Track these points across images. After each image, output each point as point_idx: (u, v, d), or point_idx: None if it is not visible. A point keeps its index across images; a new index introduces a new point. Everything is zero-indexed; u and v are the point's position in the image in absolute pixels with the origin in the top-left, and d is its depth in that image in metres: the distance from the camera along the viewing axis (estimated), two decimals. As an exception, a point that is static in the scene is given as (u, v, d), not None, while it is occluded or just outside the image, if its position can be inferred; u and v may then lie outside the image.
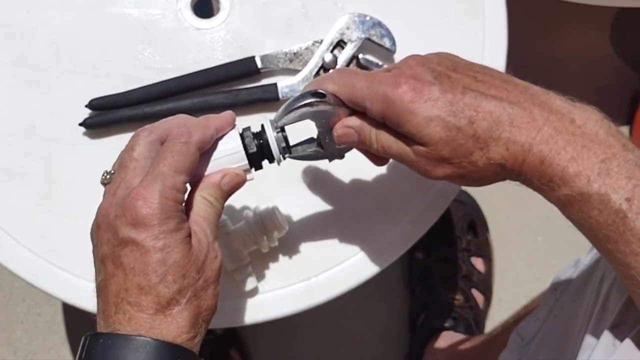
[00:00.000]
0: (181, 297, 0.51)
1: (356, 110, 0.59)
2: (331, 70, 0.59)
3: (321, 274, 0.74)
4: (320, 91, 0.58)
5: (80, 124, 0.75)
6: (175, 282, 0.51)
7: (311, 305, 0.74)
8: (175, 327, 0.51)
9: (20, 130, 0.76)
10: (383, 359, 1.32)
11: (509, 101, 0.53)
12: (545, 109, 0.52)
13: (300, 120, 0.59)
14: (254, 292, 0.73)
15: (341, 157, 0.63)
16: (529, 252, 1.37)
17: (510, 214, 1.38)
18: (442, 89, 0.54)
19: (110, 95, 0.75)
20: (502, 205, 1.38)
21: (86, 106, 0.75)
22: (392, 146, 0.57)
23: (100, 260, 0.53)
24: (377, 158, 0.63)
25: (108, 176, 0.57)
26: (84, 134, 0.76)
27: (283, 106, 0.60)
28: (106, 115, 0.75)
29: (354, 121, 0.59)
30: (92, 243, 0.55)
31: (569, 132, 0.51)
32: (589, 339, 0.62)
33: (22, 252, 0.74)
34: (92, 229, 0.55)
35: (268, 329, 1.29)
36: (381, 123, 0.57)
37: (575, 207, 0.51)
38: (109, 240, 0.52)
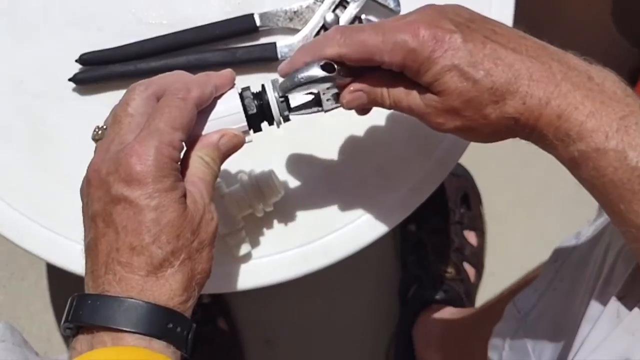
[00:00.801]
0: (175, 258, 0.50)
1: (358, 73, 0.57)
2: (328, 31, 0.57)
3: (317, 240, 0.73)
4: (330, 63, 0.56)
5: (69, 79, 0.73)
6: (169, 242, 0.49)
7: (306, 272, 0.72)
8: (167, 289, 0.49)
9: (6, 84, 0.74)
10: (373, 329, 1.32)
11: (528, 55, 0.52)
12: (563, 65, 0.52)
13: (306, 90, 0.58)
14: (247, 257, 0.72)
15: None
16: (522, 226, 1.36)
17: (505, 187, 1.37)
18: (463, 37, 0.52)
19: (101, 50, 0.73)
20: (497, 178, 1.37)
21: (76, 61, 0.73)
22: (402, 100, 0.56)
23: (90, 218, 0.52)
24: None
25: (100, 132, 0.55)
26: (74, 89, 0.74)
27: (289, 76, 0.57)
28: (97, 70, 0.73)
29: (363, 83, 0.57)
30: (82, 200, 0.53)
31: (587, 88, 0.51)
32: (592, 311, 0.61)
33: (6, 210, 0.72)
34: (82, 186, 0.53)
35: (256, 298, 1.30)
36: (392, 77, 0.56)
37: (590, 164, 0.50)
38: (101, 197, 0.50)
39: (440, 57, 0.52)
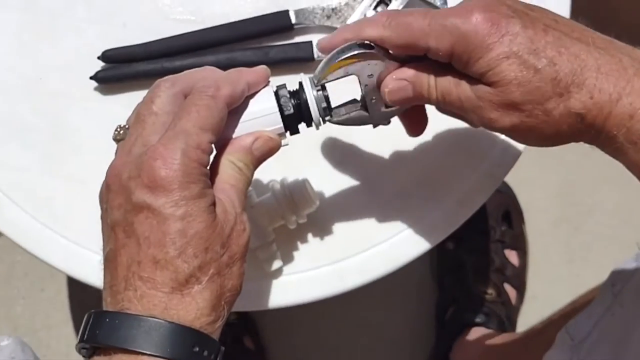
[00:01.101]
0: (202, 274, 0.46)
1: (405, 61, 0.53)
2: (373, 14, 0.53)
3: (353, 256, 0.68)
4: (368, 42, 0.52)
5: (91, 78, 0.70)
6: (197, 256, 0.45)
7: (341, 291, 0.68)
8: (194, 308, 0.45)
9: (26, 82, 0.71)
10: (408, 352, 1.28)
11: (595, 46, 0.47)
12: (635, 60, 0.47)
13: (344, 76, 0.53)
14: (278, 273, 0.68)
15: (387, 122, 0.57)
16: (566, 247, 1.31)
17: (549, 205, 1.32)
18: (522, 23, 0.48)
19: (126, 47, 0.70)
20: (540, 195, 1.32)
21: (99, 58, 0.69)
22: (451, 91, 0.51)
23: (109, 227, 0.48)
24: (415, 126, 0.59)
25: (122, 131, 0.51)
26: (96, 89, 0.71)
27: (324, 60, 0.53)
28: (121, 69, 0.69)
29: (407, 72, 0.53)
30: (101, 207, 0.49)
31: None
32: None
33: (24, 218, 0.69)
34: (101, 191, 0.49)
35: (285, 317, 1.26)
36: (439, 68, 0.51)
37: None
38: (121, 204, 0.47)
39: (497, 43, 0.47)
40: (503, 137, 0.68)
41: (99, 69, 0.70)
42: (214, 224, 0.46)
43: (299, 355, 1.27)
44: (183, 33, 0.70)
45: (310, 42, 0.69)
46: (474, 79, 0.50)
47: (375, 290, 1.16)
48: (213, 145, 0.49)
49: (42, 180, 0.69)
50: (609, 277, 0.71)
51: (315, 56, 0.69)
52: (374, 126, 0.56)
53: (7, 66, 0.71)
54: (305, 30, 0.70)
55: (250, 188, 0.63)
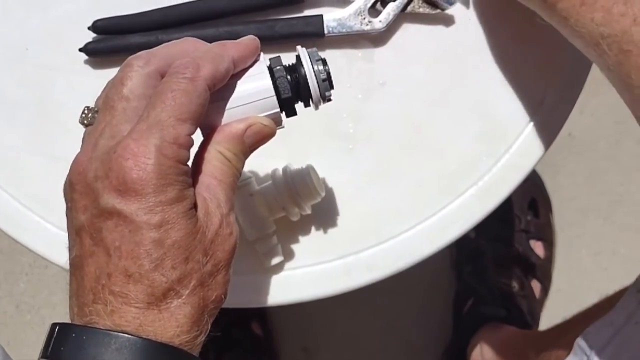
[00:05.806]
0: (182, 287, 0.42)
1: None
2: None
3: (362, 251, 0.65)
4: None
5: (80, 50, 0.66)
6: (175, 268, 0.42)
7: (348, 289, 0.66)
8: (173, 325, 0.42)
9: (10, 53, 0.67)
10: (422, 346, 1.25)
11: None
12: None
13: None
14: (278, 268, 0.64)
15: None
16: (595, 238, 1.27)
17: (578, 194, 1.28)
18: None
19: (119, 17, 0.66)
20: (569, 183, 1.28)
21: (89, 28, 0.65)
22: None
23: (74, 231, 0.43)
24: None
25: (90, 115, 0.46)
26: (86, 62, 0.67)
27: None
28: (113, 40, 0.65)
29: None
30: (66, 203, 0.45)
31: None
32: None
33: (4, 199, 0.66)
34: (65, 186, 0.45)
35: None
36: None
37: None
38: (87, 207, 0.42)
39: None
40: (531, 123, 0.64)
41: (89, 40, 0.66)
42: (194, 230, 0.42)
43: (308, 341, 1.25)
44: (181, 2, 0.65)
45: (321, 16, 0.64)
46: None
47: (389, 279, 1.14)
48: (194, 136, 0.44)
49: (25, 159, 0.66)
50: (635, 283, 0.66)
51: (325, 32, 0.63)
52: None
53: (-10, 34, 0.68)
54: (315, 3, 0.65)
55: (250, 175, 0.61)
